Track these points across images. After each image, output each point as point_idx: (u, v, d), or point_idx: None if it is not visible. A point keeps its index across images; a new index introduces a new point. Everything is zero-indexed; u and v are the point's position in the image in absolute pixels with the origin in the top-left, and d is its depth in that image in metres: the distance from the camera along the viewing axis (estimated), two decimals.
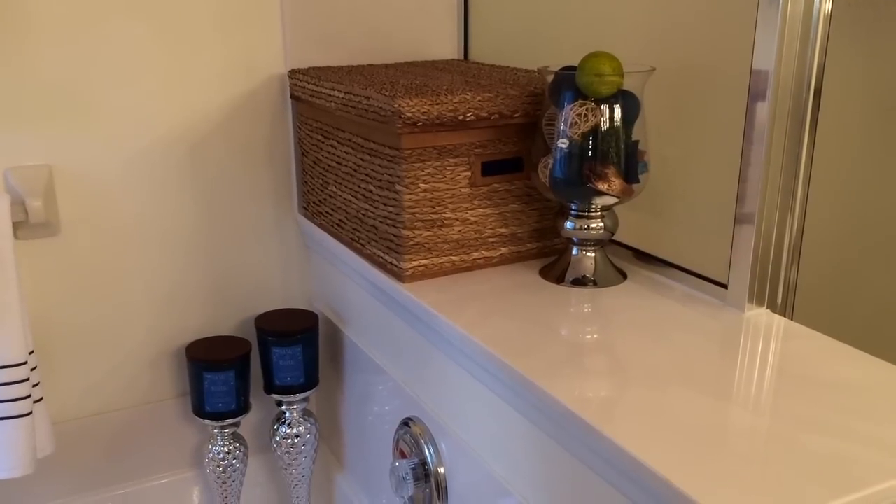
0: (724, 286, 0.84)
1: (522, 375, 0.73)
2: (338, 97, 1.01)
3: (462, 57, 1.28)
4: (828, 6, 0.75)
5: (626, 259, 0.98)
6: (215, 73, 1.15)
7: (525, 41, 1.17)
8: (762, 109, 0.77)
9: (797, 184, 0.80)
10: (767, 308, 0.83)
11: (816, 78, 0.77)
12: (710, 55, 0.86)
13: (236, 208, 1.21)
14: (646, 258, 0.96)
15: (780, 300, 0.83)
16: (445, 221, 0.93)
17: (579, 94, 0.86)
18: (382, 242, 0.97)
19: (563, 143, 0.87)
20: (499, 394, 0.80)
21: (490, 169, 0.94)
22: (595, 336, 0.81)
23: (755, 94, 0.77)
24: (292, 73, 1.16)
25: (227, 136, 1.18)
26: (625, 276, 0.94)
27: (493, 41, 1.24)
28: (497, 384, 0.79)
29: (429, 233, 0.93)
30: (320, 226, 1.17)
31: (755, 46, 0.76)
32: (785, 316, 0.83)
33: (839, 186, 0.87)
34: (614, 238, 0.94)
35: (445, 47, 1.28)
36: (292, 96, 1.18)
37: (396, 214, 0.92)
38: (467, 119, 0.90)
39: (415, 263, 0.93)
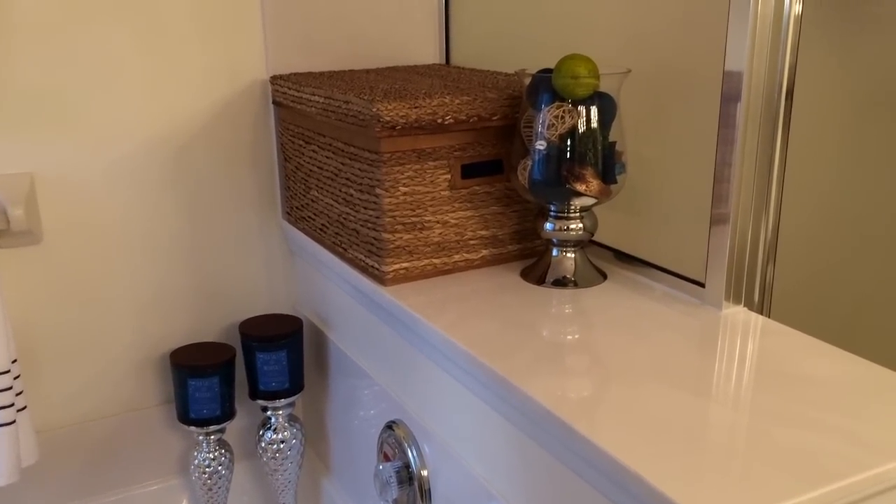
0: (702, 285, 0.85)
1: (502, 376, 0.73)
2: (318, 102, 1.01)
3: (443, 62, 1.29)
4: (798, 7, 0.76)
5: (606, 259, 0.99)
6: (197, 79, 1.16)
7: (505, 45, 1.18)
8: (735, 110, 0.78)
9: (771, 184, 0.81)
10: (745, 306, 0.84)
11: (788, 78, 0.78)
12: (684, 57, 0.87)
13: (219, 214, 1.21)
14: (625, 258, 0.97)
15: (756, 298, 0.84)
16: (426, 224, 0.94)
17: (556, 97, 0.87)
18: (364, 246, 0.97)
19: (540, 145, 0.87)
20: (480, 395, 0.80)
21: (470, 171, 0.95)
22: (575, 336, 0.81)
23: (728, 95, 0.78)
24: (274, 79, 1.17)
25: (210, 141, 1.18)
26: (605, 277, 0.94)
27: (474, 46, 1.25)
28: (478, 386, 0.80)
29: (409, 236, 0.93)
30: (303, 230, 1.17)
31: (727, 48, 0.77)
32: (762, 314, 0.84)
33: (814, 186, 0.88)
34: (594, 239, 0.95)
35: (426, 52, 1.29)
36: (274, 102, 1.19)
37: (377, 218, 0.92)
38: (446, 122, 0.91)
39: (396, 266, 0.93)
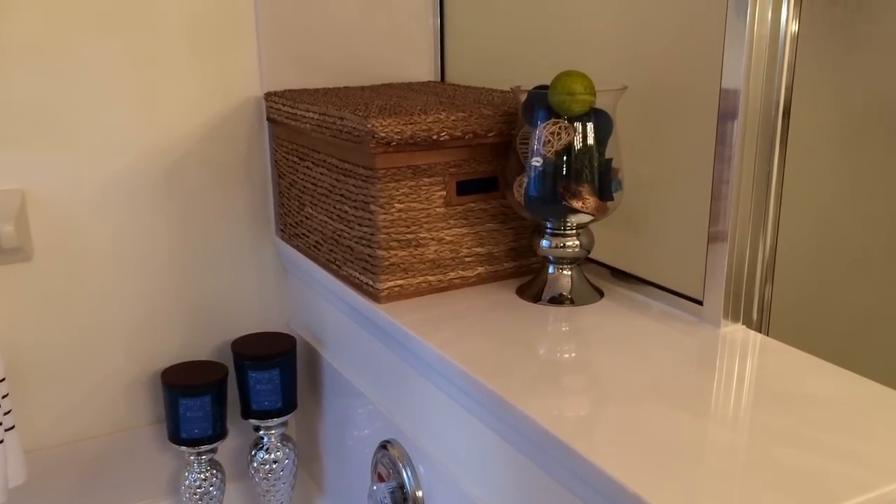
0: (700, 303, 0.85)
1: (499, 395, 0.72)
2: (313, 118, 1.00)
3: (438, 79, 1.29)
4: (794, 26, 0.76)
5: (602, 277, 0.98)
6: (191, 96, 1.15)
7: (500, 62, 1.17)
8: (732, 128, 0.77)
9: (769, 201, 0.80)
10: (743, 324, 0.83)
11: (785, 97, 0.78)
12: (679, 74, 0.87)
13: (212, 231, 1.20)
14: (622, 276, 0.96)
15: (755, 316, 0.83)
16: (421, 241, 0.93)
17: (552, 113, 0.86)
18: (358, 263, 0.96)
19: (536, 162, 0.87)
20: (476, 415, 0.79)
21: (465, 188, 0.94)
22: (572, 354, 0.80)
23: (725, 112, 0.78)
24: (268, 96, 1.16)
25: (203, 158, 1.18)
26: (601, 294, 0.93)
27: (469, 63, 1.24)
28: (474, 405, 0.78)
29: (404, 253, 0.92)
30: (297, 248, 1.16)
31: (724, 66, 0.77)
32: (760, 332, 0.83)
33: (811, 203, 0.88)
34: (591, 256, 0.95)
35: (422, 69, 1.29)
36: (268, 118, 1.18)
37: (371, 235, 0.92)
38: (441, 139, 0.90)
39: (390, 284, 0.92)
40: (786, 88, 0.77)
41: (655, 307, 0.90)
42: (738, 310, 0.82)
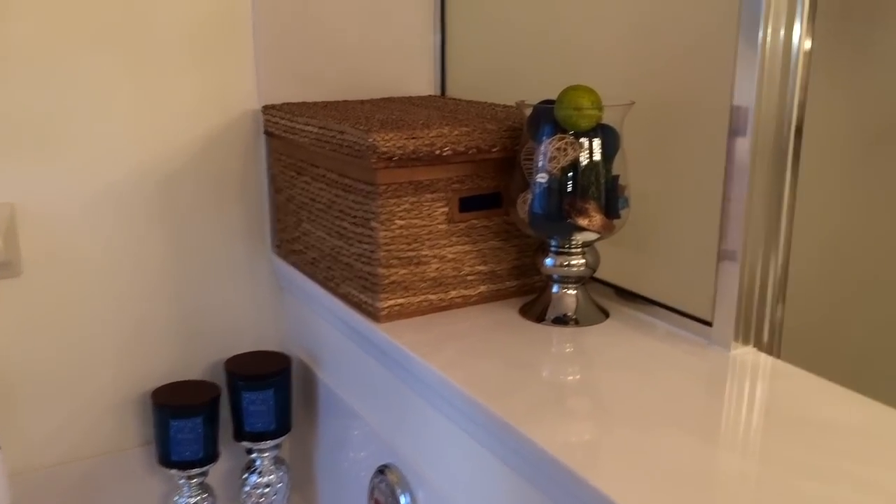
0: (709, 324, 0.82)
1: (502, 420, 0.70)
2: (312, 132, 0.98)
3: (439, 93, 1.27)
4: (808, 43, 0.75)
5: (607, 297, 0.96)
6: (187, 108, 1.13)
7: (502, 77, 1.16)
8: (743, 146, 0.75)
9: (780, 220, 0.78)
10: (754, 346, 0.81)
11: (798, 114, 0.76)
12: (688, 90, 0.85)
13: (207, 247, 1.18)
14: (628, 296, 0.93)
15: (766, 338, 0.81)
16: (422, 259, 0.90)
17: (558, 128, 0.84)
18: (357, 281, 0.93)
19: (542, 178, 0.85)
20: (478, 439, 0.76)
21: (468, 205, 0.92)
22: (577, 377, 0.78)
23: (736, 130, 0.76)
24: (266, 109, 1.14)
25: (199, 172, 1.15)
26: (607, 315, 0.91)
27: (471, 77, 1.23)
28: (476, 429, 0.76)
29: (405, 271, 0.90)
30: (294, 264, 1.13)
31: (735, 82, 0.75)
32: (772, 354, 0.81)
33: (824, 223, 0.86)
34: (595, 275, 0.92)
35: (422, 83, 1.27)
36: (266, 132, 1.16)
37: (371, 252, 0.89)
38: (444, 154, 0.88)
39: (391, 303, 0.90)
40: (798, 106, 0.75)
41: (662, 328, 0.87)
42: (748, 332, 0.80)
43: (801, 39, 0.74)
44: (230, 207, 1.18)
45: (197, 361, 1.20)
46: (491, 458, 0.74)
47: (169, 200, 1.14)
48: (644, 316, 0.91)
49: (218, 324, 1.21)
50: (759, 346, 0.81)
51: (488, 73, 1.19)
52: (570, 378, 0.78)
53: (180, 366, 1.19)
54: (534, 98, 0.87)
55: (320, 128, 0.95)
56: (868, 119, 0.83)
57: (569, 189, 0.84)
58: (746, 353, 0.80)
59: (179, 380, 1.17)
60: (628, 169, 0.86)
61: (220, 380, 1.16)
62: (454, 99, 1.20)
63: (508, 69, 1.15)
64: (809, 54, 0.75)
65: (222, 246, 1.19)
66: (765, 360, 0.79)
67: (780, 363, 0.79)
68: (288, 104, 1.14)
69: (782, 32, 0.73)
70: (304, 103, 1.15)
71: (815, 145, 0.78)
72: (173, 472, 1.11)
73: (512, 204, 0.90)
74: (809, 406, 0.70)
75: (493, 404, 0.72)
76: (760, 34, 0.72)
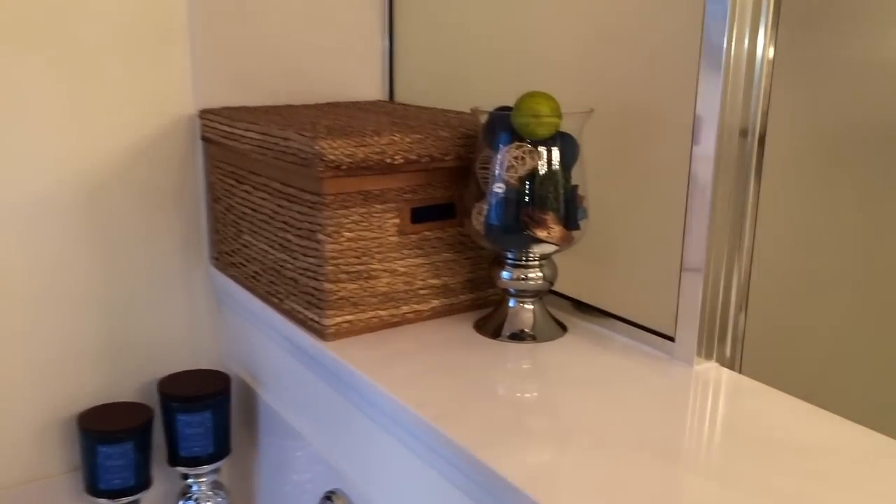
0: (671, 339, 0.79)
1: (457, 444, 0.66)
2: (253, 139, 0.92)
3: (387, 98, 1.22)
4: (771, 51, 0.73)
5: (564, 310, 0.93)
6: (117, 112, 1.05)
7: (453, 82, 1.12)
8: (706, 155, 0.73)
9: (744, 232, 0.76)
10: (716, 361, 0.78)
11: (761, 124, 0.74)
12: (649, 98, 0.82)
13: (139, 259, 1.10)
14: (585, 308, 0.90)
15: (728, 353, 0.79)
16: (372, 273, 0.85)
17: (515, 136, 0.81)
18: (302, 297, 0.88)
19: (499, 188, 0.81)
20: (432, 464, 0.72)
21: (420, 216, 0.87)
22: (536, 397, 0.74)
23: (698, 139, 0.73)
24: (203, 114, 1.07)
25: (129, 180, 1.08)
26: (565, 329, 0.88)
27: (420, 82, 1.18)
28: (430, 453, 0.71)
29: (354, 286, 0.85)
30: (233, 278, 1.07)
31: (698, 91, 0.72)
32: (733, 369, 0.78)
33: (784, 234, 0.84)
34: (552, 288, 0.89)
35: (369, 88, 1.22)
36: (203, 138, 1.09)
37: (318, 266, 0.84)
38: (395, 162, 0.83)
39: (338, 319, 0.84)
40: (762, 115, 0.74)
41: (623, 343, 0.85)
42: (711, 347, 0.78)
43: (764, 48, 0.72)
44: (164, 217, 1.11)
45: (127, 382, 1.12)
46: (445, 485, 0.70)
47: (97, 210, 1.06)
48: (603, 330, 0.88)
49: (150, 341, 1.13)
50: (721, 360, 0.79)
51: (439, 77, 1.15)
52: (529, 398, 0.74)
53: (109, 387, 1.11)
54: (487, 104, 0.83)
55: (262, 134, 0.90)
56: (828, 129, 0.82)
57: (527, 200, 0.80)
58: (709, 369, 0.78)
59: (108, 402, 1.09)
60: (587, 179, 0.83)
61: (153, 401, 1.08)
62: (403, 104, 1.15)
63: (460, 74, 1.11)
64: (773, 63, 0.73)
65: (155, 258, 1.11)
66: (728, 375, 0.77)
67: (743, 379, 0.77)
68: (227, 108, 1.08)
69: (746, 41, 0.71)
70: (244, 108, 1.09)
71: (776, 155, 0.77)
72: (102, 501, 1.03)
73: (467, 215, 0.86)
74: (777, 426, 0.68)
75: (448, 427, 0.68)
76: (724, 42, 0.70)
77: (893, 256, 0.83)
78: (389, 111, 1.05)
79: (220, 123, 1.01)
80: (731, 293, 0.77)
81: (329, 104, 1.15)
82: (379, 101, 1.21)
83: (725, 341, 0.78)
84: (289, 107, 1.11)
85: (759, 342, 0.81)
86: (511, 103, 0.81)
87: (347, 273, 0.84)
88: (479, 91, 1.06)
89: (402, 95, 1.21)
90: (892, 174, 0.82)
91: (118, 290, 1.10)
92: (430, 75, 1.17)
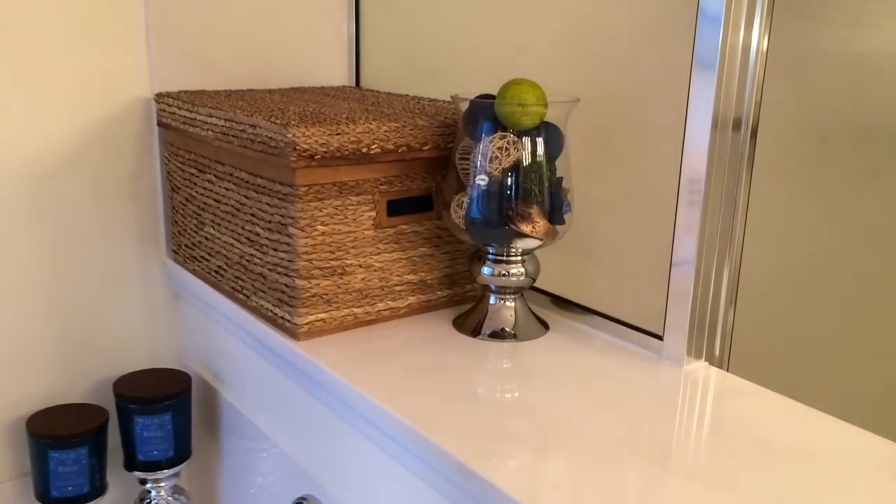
0: (659, 337, 0.77)
1: (442, 449, 0.62)
2: (216, 125, 0.87)
3: (353, 83, 1.17)
4: (766, 42, 0.70)
5: (543, 305, 0.90)
6: (66, 95, 0.98)
7: (424, 68, 1.07)
8: (700, 148, 0.70)
9: (735, 225, 0.74)
10: (705, 360, 0.76)
11: (754, 115, 0.72)
12: (637, 88, 0.79)
13: (91, 253, 1.03)
14: (566, 305, 0.88)
15: (717, 351, 0.77)
16: (347, 269, 0.81)
17: (498, 126, 0.77)
18: (272, 294, 0.83)
19: (481, 180, 0.77)
20: (414, 470, 0.68)
21: (396, 208, 0.83)
22: (520, 399, 0.71)
23: (692, 131, 0.71)
24: (160, 97, 1.01)
25: (81, 169, 1.01)
26: (547, 327, 0.85)
27: (388, 68, 1.14)
28: (411, 458, 0.68)
29: (328, 282, 0.80)
30: (194, 272, 1.01)
31: (692, 82, 0.70)
32: (721, 367, 0.77)
33: (770, 226, 0.82)
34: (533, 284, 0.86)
35: (334, 73, 1.17)
36: (160, 123, 1.03)
37: (290, 261, 0.79)
38: (372, 152, 0.79)
39: (311, 318, 0.80)
40: (755, 106, 0.71)
41: (608, 341, 0.82)
42: (700, 345, 0.75)
43: (759, 37, 0.70)
44: (118, 208, 1.04)
45: (80, 382, 1.06)
46: (427, 489, 0.67)
47: (46, 200, 0.99)
48: (586, 328, 0.85)
49: (104, 338, 1.07)
50: (710, 359, 0.76)
51: (408, 63, 1.11)
52: (512, 400, 0.71)
53: (61, 388, 1.04)
54: (463, 92, 0.79)
55: (227, 120, 0.84)
56: (816, 120, 0.80)
57: (510, 192, 0.77)
58: (698, 369, 0.76)
59: (60, 403, 1.03)
60: (572, 171, 0.80)
61: (108, 403, 1.02)
62: (373, 91, 1.10)
63: (431, 60, 1.06)
64: (766, 54, 0.71)
65: (109, 251, 1.05)
66: (717, 375, 0.75)
67: (736, 380, 0.75)
68: (185, 92, 1.02)
69: (742, 31, 0.69)
70: (203, 91, 1.03)
71: (763, 147, 0.75)
72: None
73: (446, 207, 0.82)
74: (777, 429, 0.66)
75: (430, 431, 0.64)
76: (721, 31, 0.67)
77: (878, 248, 0.82)
78: (359, 98, 1.00)
79: (179, 108, 0.95)
80: (722, 289, 0.75)
81: (293, 89, 1.09)
82: (345, 87, 1.15)
83: (715, 339, 0.76)
84: (251, 91, 1.05)
85: (745, 338, 0.79)
86: (488, 91, 0.78)
87: (321, 269, 0.79)
88: (451, 78, 1.02)
89: (368, 82, 1.16)
90: (878, 167, 0.80)
91: (69, 285, 1.03)
92: (398, 61, 1.13)
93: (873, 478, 0.59)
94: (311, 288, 0.79)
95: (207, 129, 0.89)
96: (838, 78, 0.79)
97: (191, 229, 0.99)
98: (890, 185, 0.80)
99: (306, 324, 0.80)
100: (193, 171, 0.96)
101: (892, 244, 0.81)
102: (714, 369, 0.76)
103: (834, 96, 0.79)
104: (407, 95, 1.03)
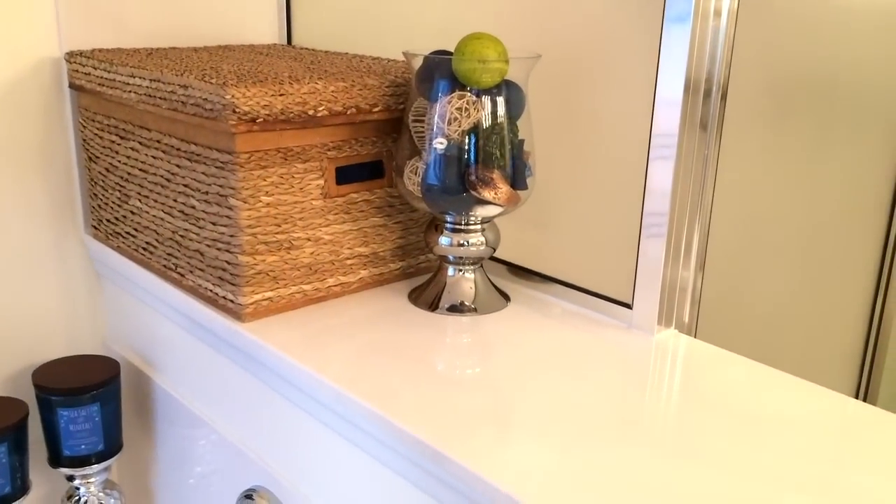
0: (628, 306, 0.74)
1: (404, 431, 0.59)
2: (140, 86, 0.78)
3: (284, 41, 1.09)
4: (736, 2, 0.67)
5: (501, 275, 0.86)
6: None
7: (363, 25, 1.00)
8: (672, 109, 0.67)
9: (705, 188, 0.71)
10: (675, 328, 0.74)
11: (724, 75, 0.68)
12: (603, 44, 0.75)
13: None
14: (526, 274, 0.84)
15: (686, 318, 0.74)
16: (294, 242, 0.75)
17: (456, 84, 0.71)
18: (211, 272, 0.76)
19: (439, 144, 0.72)
20: (372, 453, 0.64)
21: (346, 176, 0.77)
22: (483, 375, 0.67)
23: (664, 91, 0.67)
24: (71, 57, 0.91)
25: None
26: (508, 299, 0.81)
27: (323, 24, 1.06)
28: (372, 443, 0.63)
29: (274, 258, 0.74)
30: (118, 249, 0.92)
31: (662, 40, 0.66)
32: (690, 334, 0.74)
33: (734, 188, 0.80)
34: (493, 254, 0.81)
35: (263, 30, 1.08)
36: (72, 86, 0.93)
37: (231, 236, 0.72)
38: (318, 114, 0.72)
39: (257, 297, 0.73)
40: (725, 67, 0.68)
41: (573, 311, 0.79)
42: (671, 313, 0.73)
43: None
44: (27, 179, 0.94)
45: None
46: (393, 478, 0.63)
47: None
48: (549, 297, 0.81)
49: (18, 325, 0.97)
50: (679, 327, 0.74)
51: (345, 19, 1.03)
52: (476, 377, 0.67)
53: None
54: (400, 48, 0.73)
55: (154, 81, 0.76)
56: (782, 78, 0.78)
57: (470, 156, 0.72)
58: (668, 337, 0.73)
59: None
60: (534, 133, 0.76)
61: (28, 395, 0.93)
62: (308, 49, 1.02)
63: (369, 16, 1.00)
64: (736, 13, 0.67)
65: (18, 227, 0.95)
66: (687, 342, 0.73)
67: (704, 346, 0.72)
68: (100, 51, 0.92)
69: None
70: (119, 50, 0.94)
71: (729, 108, 0.72)
72: None
73: (399, 174, 0.76)
74: (757, 398, 0.64)
75: (390, 413, 0.60)
76: None
77: (836, 207, 0.82)
78: (295, 56, 0.93)
79: (95, 68, 0.86)
80: (692, 254, 0.72)
81: (221, 47, 1.00)
82: (276, 44, 1.07)
83: (685, 307, 0.74)
84: (174, 49, 0.96)
85: (711, 303, 0.77)
86: (437, 48, 0.72)
87: (266, 244, 0.73)
88: (393, 36, 0.96)
89: (301, 39, 1.08)
90: (838, 119, 0.79)
91: None
92: (334, 17, 1.05)
93: (839, 437, 0.58)
94: (255, 264, 0.72)
95: (129, 91, 0.80)
96: (804, 33, 0.76)
97: (113, 203, 0.90)
98: (848, 138, 0.79)
99: (251, 303, 0.73)
100: (114, 137, 0.87)
101: (848, 196, 0.81)
102: (684, 336, 0.74)
103: (797, 55, 0.77)
104: (347, 54, 0.96)
